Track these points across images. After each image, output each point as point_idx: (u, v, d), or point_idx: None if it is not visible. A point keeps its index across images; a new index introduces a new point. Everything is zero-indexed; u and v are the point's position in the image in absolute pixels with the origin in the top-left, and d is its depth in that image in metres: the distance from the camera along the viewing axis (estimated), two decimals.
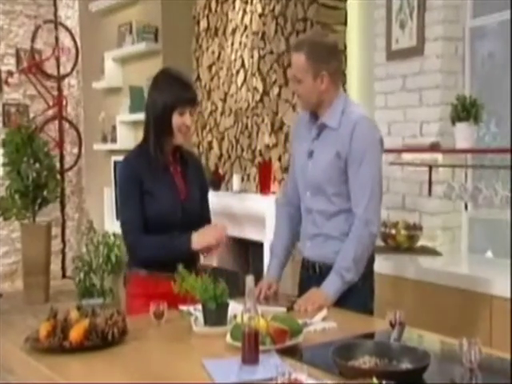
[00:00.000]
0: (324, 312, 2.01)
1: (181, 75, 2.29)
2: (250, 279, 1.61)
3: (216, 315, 1.83)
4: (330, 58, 2.17)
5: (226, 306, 1.86)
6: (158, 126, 2.24)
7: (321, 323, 1.93)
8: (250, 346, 1.55)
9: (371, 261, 2.28)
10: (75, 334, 1.65)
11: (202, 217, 2.38)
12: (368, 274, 2.25)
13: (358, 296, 2.19)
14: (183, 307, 2.07)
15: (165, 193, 2.25)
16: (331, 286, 2.15)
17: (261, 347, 1.59)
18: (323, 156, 2.19)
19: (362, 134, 2.13)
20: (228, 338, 1.73)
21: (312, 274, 2.28)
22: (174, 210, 2.25)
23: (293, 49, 2.19)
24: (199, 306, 1.93)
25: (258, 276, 2.60)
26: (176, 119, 2.22)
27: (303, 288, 2.30)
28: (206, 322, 1.86)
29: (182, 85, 2.25)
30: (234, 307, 1.93)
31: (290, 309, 2.10)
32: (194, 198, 2.33)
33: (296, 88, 2.21)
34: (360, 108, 2.26)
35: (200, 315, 1.92)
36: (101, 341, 1.67)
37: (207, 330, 1.85)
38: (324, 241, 2.24)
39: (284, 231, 2.39)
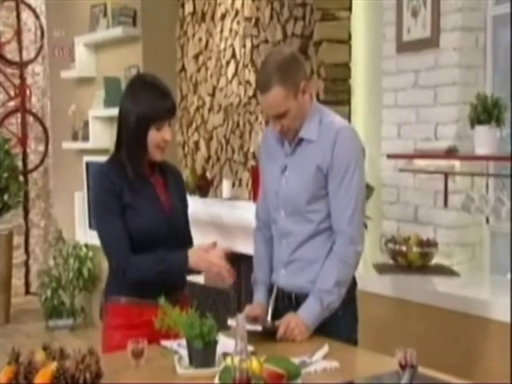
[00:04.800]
0: (325, 349, 2.03)
1: (157, 82, 2.31)
2: (241, 318, 1.64)
3: (203, 355, 1.85)
4: (299, 67, 2.24)
5: (215, 344, 1.88)
6: (131, 140, 2.26)
7: (321, 362, 1.96)
8: None
9: (353, 286, 2.34)
10: (41, 380, 1.65)
11: (186, 232, 2.43)
12: (349, 300, 2.31)
13: (338, 326, 2.25)
14: (166, 343, 2.09)
15: (147, 206, 2.29)
16: (310, 312, 2.20)
17: None
18: (300, 170, 2.26)
19: (343, 146, 2.21)
20: (216, 381, 1.75)
21: (288, 305, 2.32)
22: (159, 224, 2.28)
23: (262, 90, 2.19)
24: (183, 341, 1.95)
25: (251, 294, 2.62)
26: (153, 136, 2.25)
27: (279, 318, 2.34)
28: (192, 362, 1.88)
29: (159, 94, 2.27)
30: (224, 343, 1.95)
31: (267, 330, 2.15)
32: (177, 209, 2.39)
33: (281, 123, 2.22)
34: (337, 117, 2.34)
35: (185, 352, 1.94)
36: None
37: (193, 372, 1.87)
38: (301, 267, 2.30)
39: (263, 259, 2.44)
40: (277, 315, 2.39)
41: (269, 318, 2.32)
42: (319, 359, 1.97)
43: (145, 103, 2.23)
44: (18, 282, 6.69)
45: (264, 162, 2.44)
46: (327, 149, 2.21)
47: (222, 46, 4.60)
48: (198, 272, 2.35)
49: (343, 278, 2.24)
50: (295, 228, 2.28)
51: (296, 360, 1.89)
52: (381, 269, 3.26)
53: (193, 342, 1.85)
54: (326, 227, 2.27)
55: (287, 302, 2.33)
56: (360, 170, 2.25)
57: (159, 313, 1.94)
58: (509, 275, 3.00)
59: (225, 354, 1.89)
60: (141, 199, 2.28)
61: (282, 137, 2.30)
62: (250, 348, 1.89)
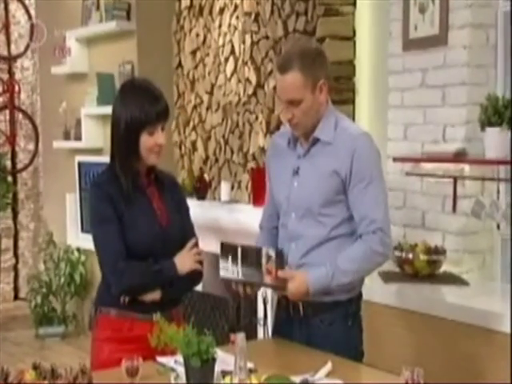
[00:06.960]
0: (328, 366, 2.04)
1: (147, 86, 2.35)
2: (241, 337, 1.65)
3: (200, 374, 1.86)
4: (322, 63, 2.29)
5: (213, 362, 1.88)
6: (122, 146, 2.30)
7: (324, 380, 1.97)
8: None
9: (358, 296, 2.38)
10: None
11: (184, 242, 2.43)
12: (357, 310, 2.35)
13: (349, 337, 2.30)
14: (162, 359, 2.10)
15: (143, 220, 2.33)
16: (318, 281, 2.22)
17: None
18: (315, 171, 2.30)
19: (364, 154, 2.28)
20: None
21: (294, 315, 2.32)
22: (154, 239, 2.32)
23: (280, 70, 2.23)
24: (181, 358, 1.96)
25: (250, 302, 2.63)
26: (145, 140, 2.28)
27: (280, 332, 2.38)
28: (189, 380, 1.89)
29: (149, 97, 2.29)
30: (223, 360, 1.95)
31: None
32: (175, 223, 2.41)
33: (293, 113, 2.25)
34: (352, 123, 2.50)
35: (182, 370, 1.94)
36: None
37: None
38: None
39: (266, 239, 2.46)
40: (278, 327, 2.41)
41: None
42: (322, 377, 1.98)
43: (134, 107, 2.26)
44: (6, 286, 6.70)
45: (272, 167, 2.46)
46: (346, 155, 2.25)
47: (221, 42, 4.60)
48: None
49: (362, 270, 2.29)
50: (306, 231, 2.30)
51: (297, 378, 1.90)
52: (386, 277, 3.27)
53: (190, 360, 1.86)
54: (340, 234, 2.30)
55: (293, 311, 2.32)
56: (382, 177, 2.33)
57: (155, 329, 1.95)
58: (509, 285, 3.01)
59: (224, 372, 1.90)
60: (136, 213, 2.32)
61: (292, 129, 2.32)
62: (250, 365, 1.90)
